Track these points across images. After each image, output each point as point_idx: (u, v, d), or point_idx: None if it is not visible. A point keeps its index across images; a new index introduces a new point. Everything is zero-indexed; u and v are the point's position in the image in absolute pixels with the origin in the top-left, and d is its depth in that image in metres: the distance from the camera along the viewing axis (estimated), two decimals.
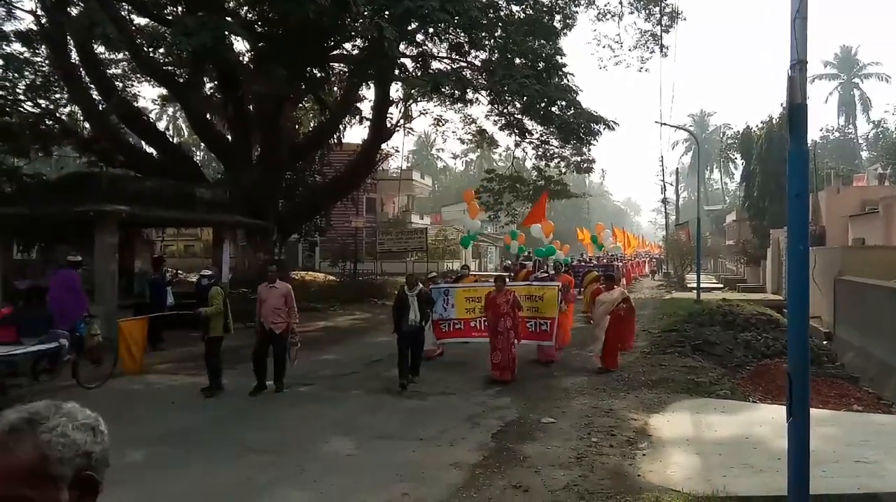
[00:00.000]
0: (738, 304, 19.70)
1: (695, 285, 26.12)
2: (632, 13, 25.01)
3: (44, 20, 18.60)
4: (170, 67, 22.09)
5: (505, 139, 37.16)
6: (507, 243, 25.57)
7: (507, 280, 12.91)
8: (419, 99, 24.93)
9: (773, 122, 37.80)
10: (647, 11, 24.70)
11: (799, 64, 4.31)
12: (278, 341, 9.70)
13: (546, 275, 14.05)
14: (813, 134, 57.15)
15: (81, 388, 9.43)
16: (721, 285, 37.56)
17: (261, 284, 10.14)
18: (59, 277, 10.70)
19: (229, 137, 22.07)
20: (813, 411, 4.65)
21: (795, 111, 4.35)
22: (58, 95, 20.71)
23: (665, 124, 54.24)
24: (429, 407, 9.11)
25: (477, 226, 21.72)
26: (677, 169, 57.89)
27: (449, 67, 21.77)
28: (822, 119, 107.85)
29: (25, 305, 9.54)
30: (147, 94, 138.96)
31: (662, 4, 24.32)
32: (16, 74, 19.32)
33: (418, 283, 10.70)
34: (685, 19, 25.67)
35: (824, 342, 17.93)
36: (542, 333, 11.79)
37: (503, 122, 25.18)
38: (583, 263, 27.85)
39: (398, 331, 10.27)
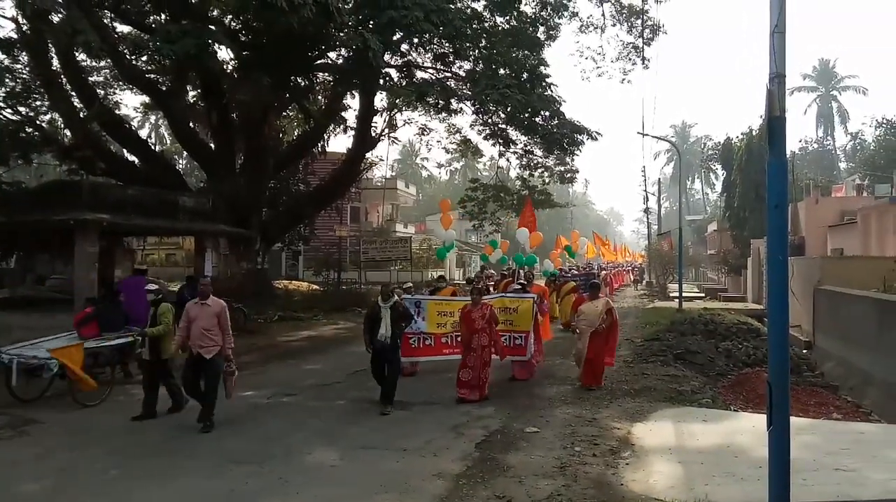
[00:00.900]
0: (720, 313, 19.91)
1: (677, 294, 26.33)
2: (614, 25, 25.36)
3: (25, 27, 18.43)
4: (152, 75, 21.96)
5: (489, 149, 37.38)
6: (488, 253, 25.23)
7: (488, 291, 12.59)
8: (404, 108, 24.98)
9: (753, 133, 38.36)
10: (629, 24, 25.02)
11: (777, 77, 4.39)
12: (209, 367, 8.29)
13: (520, 285, 13.05)
14: (792, 145, 58.01)
15: None
16: (702, 294, 37.93)
17: (189, 301, 8.95)
18: (130, 282, 12.34)
19: (212, 145, 21.97)
20: (793, 419, 4.71)
21: (774, 123, 4.43)
22: (38, 103, 20.48)
23: (647, 135, 55.08)
24: (412, 417, 9.08)
25: (452, 236, 21.59)
26: (659, 179, 58.25)
27: (433, 77, 21.87)
28: (800, 130, 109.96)
29: (104, 305, 10.77)
30: (129, 102, 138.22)
31: (644, 18, 24.66)
32: None
33: (394, 294, 9.67)
34: (666, 33, 26.04)
35: (804, 351, 18.14)
36: (516, 348, 11.15)
37: (487, 131, 25.31)
38: (563, 273, 27.56)
39: (371, 348, 9.41)
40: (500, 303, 11.28)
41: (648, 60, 26.42)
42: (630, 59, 25.96)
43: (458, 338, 10.67)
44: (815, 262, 21.08)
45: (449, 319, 11.20)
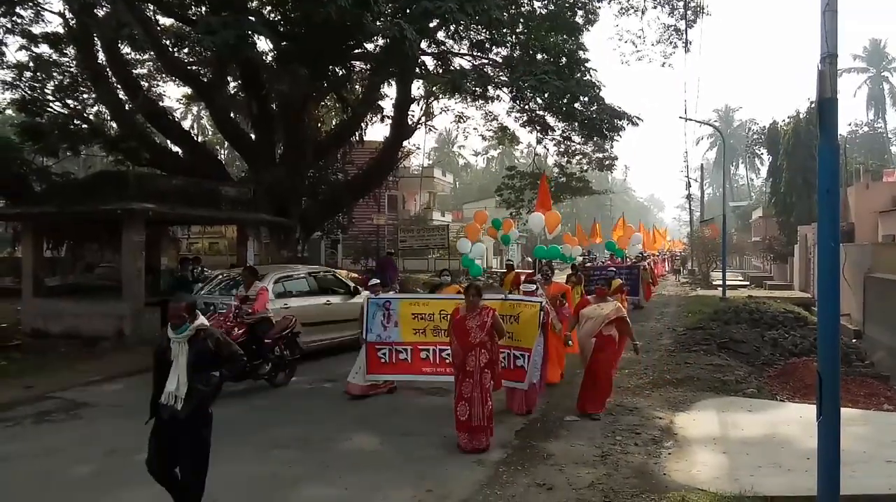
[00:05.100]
0: (765, 302, 19.50)
1: (720, 282, 25.82)
2: (654, 8, 24.73)
3: (72, 22, 18.90)
4: (194, 67, 22.33)
5: (526, 136, 37.07)
6: (492, 235, 23.49)
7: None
8: (440, 96, 24.91)
9: (800, 116, 37.22)
10: (671, 6, 24.43)
11: (829, 57, 4.25)
12: None
13: (534, 283, 9.71)
14: (841, 128, 56.00)
15: None
16: (747, 282, 37.16)
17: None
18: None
19: (253, 136, 22.26)
20: (843, 410, 4.58)
21: (825, 106, 4.29)
22: (85, 96, 21.05)
23: (689, 119, 53.56)
24: (450, 404, 9.07)
25: (481, 249, 20.76)
26: (702, 165, 56.80)
27: (470, 64, 21.75)
28: (850, 113, 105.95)
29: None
30: (172, 94, 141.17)
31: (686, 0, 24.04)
32: (44, 75, 19.69)
33: (197, 315, 4.94)
34: (709, 14, 25.20)
35: (854, 340, 17.66)
36: (517, 370, 8.18)
37: (525, 118, 25.07)
38: (600, 263, 26.27)
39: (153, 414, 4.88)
40: (499, 308, 7.96)
41: (690, 43, 25.88)
42: (671, 42, 25.34)
43: (443, 353, 8.32)
44: (866, 249, 20.43)
45: (428, 324, 8.56)
